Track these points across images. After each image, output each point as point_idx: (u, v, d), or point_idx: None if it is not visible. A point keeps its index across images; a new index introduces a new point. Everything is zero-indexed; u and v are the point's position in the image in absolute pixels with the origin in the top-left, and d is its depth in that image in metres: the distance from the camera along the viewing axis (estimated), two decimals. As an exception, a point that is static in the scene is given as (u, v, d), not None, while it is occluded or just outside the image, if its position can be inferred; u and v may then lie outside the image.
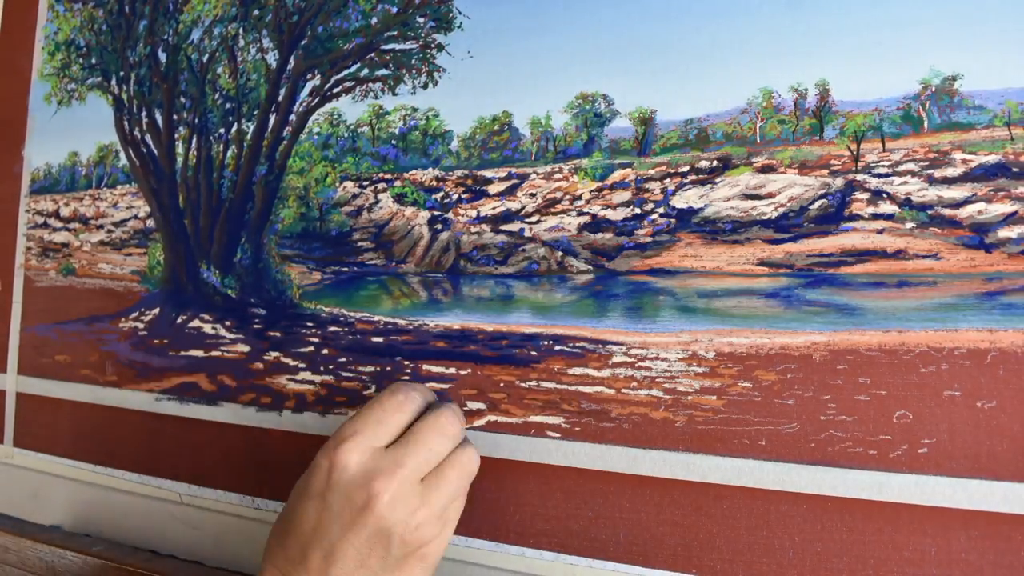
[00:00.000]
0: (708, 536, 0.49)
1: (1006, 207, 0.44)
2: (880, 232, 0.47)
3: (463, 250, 0.60)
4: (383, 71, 0.65)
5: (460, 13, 0.61)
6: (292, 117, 0.69)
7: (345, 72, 0.67)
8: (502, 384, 0.57)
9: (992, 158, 0.44)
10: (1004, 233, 0.44)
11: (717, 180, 0.52)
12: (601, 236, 0.55)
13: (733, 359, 0.49)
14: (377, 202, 0.65)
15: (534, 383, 0.55)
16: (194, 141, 0.75)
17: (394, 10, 0.64)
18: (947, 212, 0.45)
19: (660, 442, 0.51)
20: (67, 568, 0.70)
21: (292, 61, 0.69)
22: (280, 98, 0.70)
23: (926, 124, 0.46)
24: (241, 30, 0.72)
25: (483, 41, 0.60)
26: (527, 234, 0.58)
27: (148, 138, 0.78)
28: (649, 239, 0.53)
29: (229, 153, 0.72)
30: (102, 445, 0.78)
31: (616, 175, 0.55)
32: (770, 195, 0.50)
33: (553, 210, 0.57)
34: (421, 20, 0.63)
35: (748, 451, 0.48)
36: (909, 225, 0.46)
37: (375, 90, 0.65)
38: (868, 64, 0.47)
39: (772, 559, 0.47)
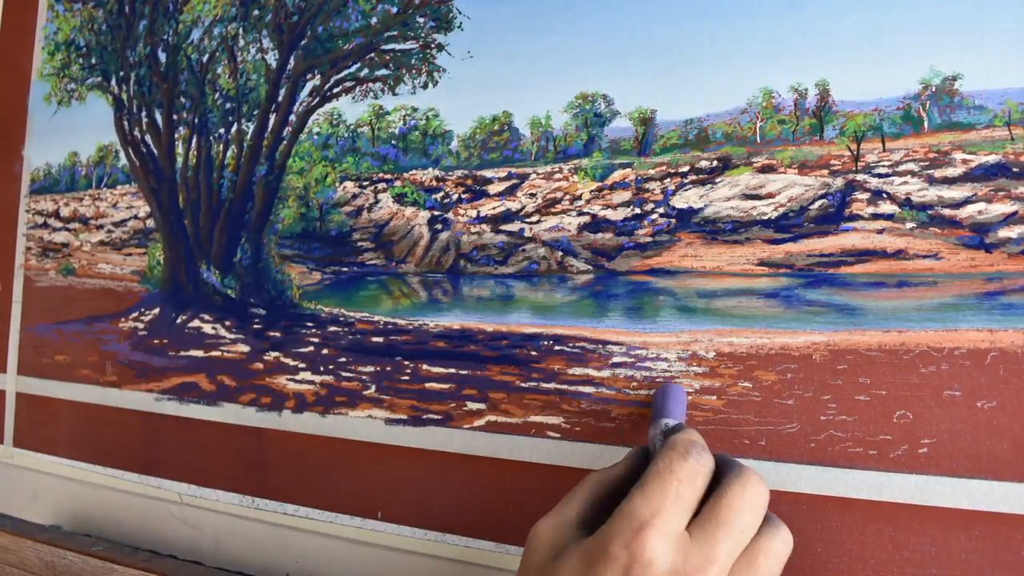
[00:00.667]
0: (708, 536, 0.49)
1: (1006, 207, 0.44)
2: (880, 232, 0.47)
3: (463, 250, 0.60)
4: (383, 71, 0.65)
5: (460, 13, 0.61)
6: (292, 117, 0.69)
7: (345, 72, 0.67)
8: (502, 384, 0.57)
9: (992, 158, 0.44)
10: (1004, 233, 0.44)
11: (717, 180, 0.52)
12: (601, 236, 0.55)
13: (733, 359, 0.49)
14: (377, 202, 0.65)
15: (534, 383, 0.55)
16: (194, 141, 0.75)
17: (394, 10, 0.64)
18: (947, 212, 0.45)
19: (660, 442, 0.50)
20: (67, 568, 0.70)
21: (292, 61, 0.69)
22: (280, 98, 0.70)
23: (926, 124, 0.46)
24: (241, 30, 0.72)
25: (483, 41, 0.60)
26: (527, 234, 0.58)
27: (148, 138, 0.78)
28: (649, 239, 0.53)
29: (229, 153, 0.72)
30: (102, 445, 0.78)
31: (616, 175, 0.55)
32: (770, 195, 0.50)
33: (553, 210, 0.57)
34: (421, 20, 0.63)
35: (748, 451, 0.48)
36: (909, 225, 0.46)
37: (375, 90, 0.65)
38: (868, 64, 0.47)
39: (772, 559, 0.47)
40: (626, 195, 0.54)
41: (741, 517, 0.36)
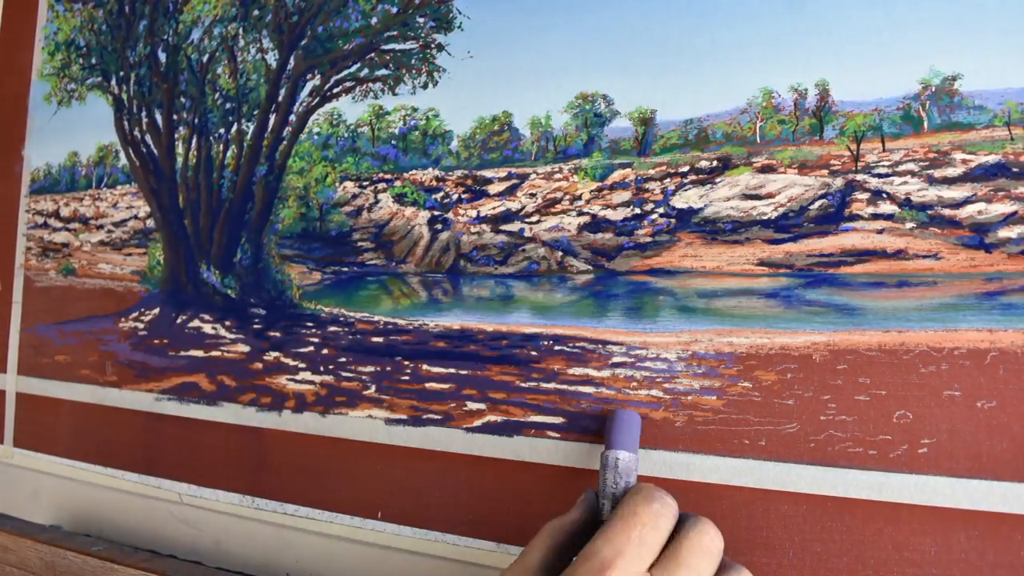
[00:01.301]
0: (708, 536, 0.49)
1: (1006, 207, 0.44)
2: (880, 232, 0.47)
3: (463, 250, 0.60)
4: (383, 71, 0.65)
5: (460, 13, 0.61)
6: (292, 117, 0.69)
7: (345, 72, 0.67)
8: (502, 384, 0.57)
9: (992, 158, 0.44)
10: (1004, 233, 0.44)
11: (717, 180, 0.52)
12: (601, 236, 0.55)
13: (733, 359, 0.49)
14: (377, 202, 0.65)
15: (534, 383, 0.55)
16: (194, 141, 0.75)
17: (394, 10, 0.64)
18: (947, 212, 0.45)
19: (660, 442, 0.51)
20: (67, 568, 0.70)
21: (292, 61, 0.69)
22: (280, 98, 0.70)
23: (926, 124, 0.46)
24: (241, 30, 0.72)
25: (483, 41, 0.60)
26: (527, 234, 0.58)
27: (148, 138, 0.78)
28: (649, 239, 0.53)
29: (229, 153, 0.72)
30: (102, 445, 0.78)
31: (616, 175, 0.55)
32: (770, 195, 0.50)
33: (553, 210, 0.57)
34: (421, 20, 0.63)
35: (748, 451, 0.48)
36: (909, 225, 0.46)
37: (375, 90, 0.65)
38: (868, 64, 0.47)
39: (772, 559, 0.47)
40: (626, 195, 0.54)
41: (699, 561, 0.38)
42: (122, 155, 0.81)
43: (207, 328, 0.72)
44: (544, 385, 0.55)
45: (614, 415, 0.50)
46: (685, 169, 0.52)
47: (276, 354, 0.68)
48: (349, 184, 0.67)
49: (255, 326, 0.70)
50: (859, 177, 0.47)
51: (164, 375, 0.74)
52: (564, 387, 0.54)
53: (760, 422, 0.48)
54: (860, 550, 0.45)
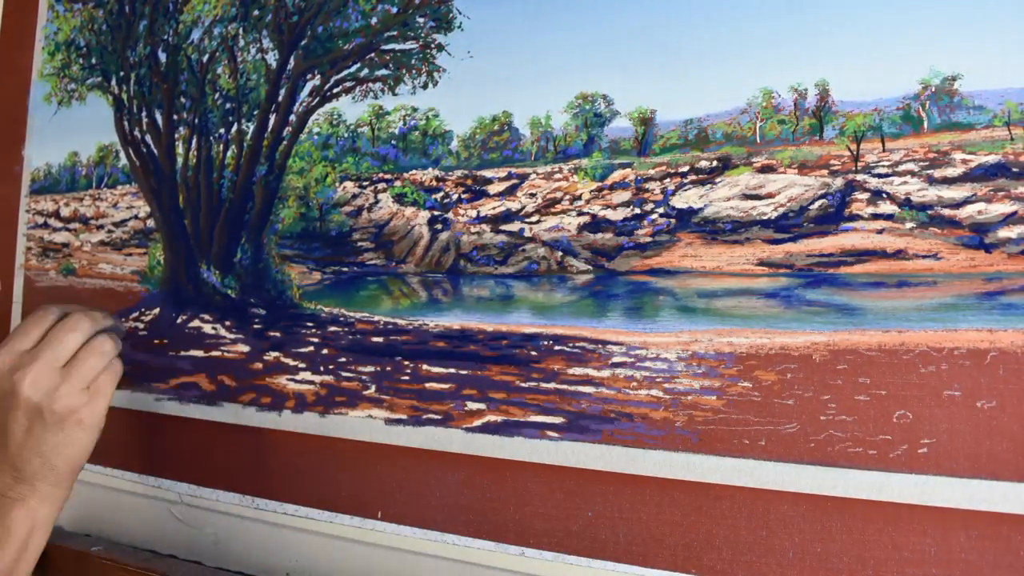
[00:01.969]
0: (708, 536, 0.49)
1: (1006, 207, 0.44)
2: (880, 232, 0.47)
3: (463, 250, 0.60)
4: (383, 71, 0.65)
5: (460, 13, 0.61)
6: (292, 117, 0.69)
7: (345, 72, 0.67)
8: (502, 384, 0.57)
9: (992, 158, 0.44)
10: (1004, 233, 0.44)
11: (717, 180, 0.52)
12: (601, 236, 0.55)
13: (733, 359, 0.49)
14: (377, 202, 0.65)
15: (534, 383, 0.55)
16: (194, 141, 0.75)
17: (394, 10, 0.64)
18: (947, 212, 0.45)
19: (660, 442, 0.51)
20: (67, 568, 0.70)
21: (292, 61, 0.69)
22: (280, 98, 0.70)
23: (926, 124, 0.46)
24: (241, 30, 0.72)
25: (483, 41, 0.60)
26: (527, 234, 0.58)
27: (148, 138, 0.78)
28: (649, 239, 0.53)
29: (229, 153, 0.72)
30: (101, 445, 0.78)
31: (616, 175, 0.55)
32: (770, 195, 0.50)
33: (553, 210, 0.57)
34: (421, 20, 0.63)
35: (748, 451, 0.48)
36: (909, 225, 0.46)
37: (375, 90, 0.65)
38: (868, 64, 0.47)
39: (772, 559, 0.47)
40: (626, 195, 0.54)
41: (61, 335, 0.58)
42: (122, 155, 0.81)
43: (207, 328, 0.72)
44: (544, 385, 0.55)
45: None
46: (685, 169, 0.53)
47: (276, 354, 0.68)
48: (349, 184, 0.67)
49: (255, 326, 0.70)
50: (859, 177, 0.47)
51: (164, 375, 0.74)
52: (564, 387, 0.54)
53: (760, 422, 0.48)
54: (860, 550, 0.45)
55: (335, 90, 0.67)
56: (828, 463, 0.46)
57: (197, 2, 0.75)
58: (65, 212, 0.85)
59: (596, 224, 0.55)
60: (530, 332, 0.56)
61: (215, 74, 0.74)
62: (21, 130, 0.89)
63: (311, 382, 0.65)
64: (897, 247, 0.46)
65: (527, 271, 0.58)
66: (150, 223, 0.78)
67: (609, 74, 0.55)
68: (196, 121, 0.75)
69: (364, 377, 0.63)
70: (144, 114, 0.79)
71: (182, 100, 0.76)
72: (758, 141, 0.50)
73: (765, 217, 0.50)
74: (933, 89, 0.46)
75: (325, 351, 0.65)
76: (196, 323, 0.73)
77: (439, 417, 0.59)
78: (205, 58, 0.75)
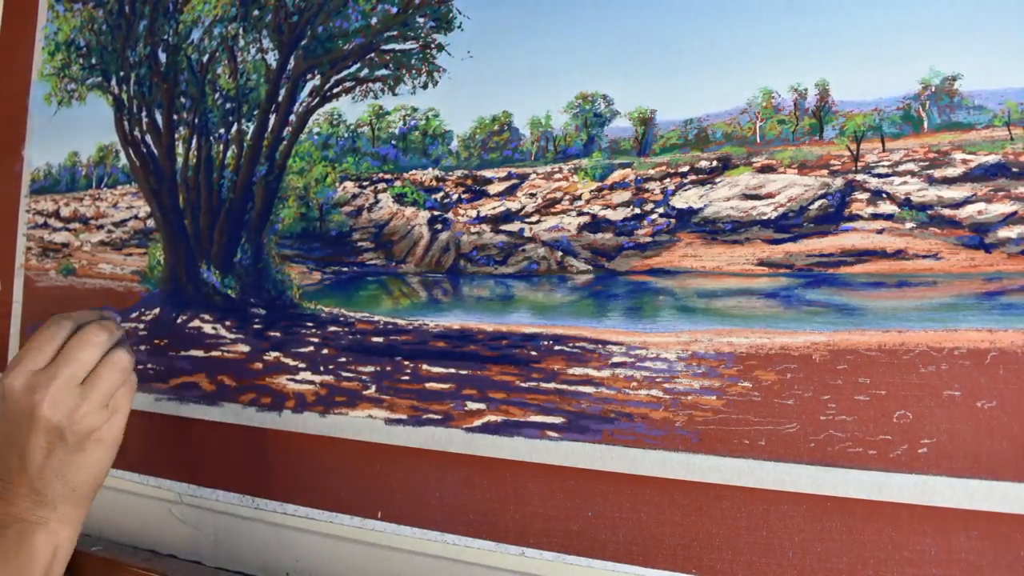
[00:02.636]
0: (708, 536, 0.49)
1: (1006, 207, 0.44)
2: (880, 232, 0.47)
3: (463, 250, 0.60)
4: (383, 71, 0.65)
5: (460, 13, 0.61)
6: (292, 117, 0.69)
7: (345, 72, 0.67)
8: (502, 384, 0.57)
9: (992, 158, 0.44)
10: (1004, 233, 0.44)
11: (717, 180, 0.52)
12: (601, 236, 0.55)
13: (733, 359, 0.49)
14: (377, 202, 0.65)
15: (534, 383, 0.55)
16: (194, 141, 0.75)
17: (394, 10, 0.64)
18: (947, 212, 0.45)
19: (660, 442, 0.51)
20: (67, 568, 0.70)
21: (292, 61, 0.69)
22: (280, 98, 0.70)
23: (926, 124, 0.46)
24: (241, 30, 0.72)
25: (483, 41, 0.60)
26: (527, 234, 0.58)
27: (148, 138, 0.78)
28: (649, 239, 0.53)
29: (229, 153, 0.72)
30: (102, 445, 0.78)
31: (616, 175, 0.55)
32: (770, 195, 0.50)
33: (553, 210, 0.57)
34: (421, 20, 0.63)
35: (748, 451, 0.48)
36: (909, 225, 0.46)
37: (375, 90, 0.65)
38: (868, 64, 0.47)
39: (772, 559, 0.47)
40: (626, 195, 0.54)
41: (78, 349, 0.55)
42: (122, 155, 0.81)
43: (207, 328, 0.72)
44: (544, 385, 0.55)
45: None
46: (685, 169, 0.53)
47: (276, 354, 0.68)
48: (349, 184, 0.67)
49: (255, 326, 0.70)
50: (859, 177, 0.47)
51: (164, 375, 0.74)
52: (564, 387, 0.54)
53: (760, 422, 0.48)
54: (860, 550, 0.45)
55: (335, 90, 0.67)
56: (828, 463, 0.46)
57: (197, 2, 0.75)
58: (65, 212, 0.85)
59: (596, 224, 0.55)
60: (530, 332, 0.56)
61: (215, 74, 0.74)
62: (21, 130, 0.89)
63: (311, 382, 0.65)
64: (897, 247, 0.46)
65: (527, 271, 0.58)
66: (150, 223, 0.78)
67: (609, 74, 0.55)
68: (196, 121, 0.75)
69: (364, 377, 0.63)
70: (144, 114, 0.79)
71: (182, 100, 0.76)
72: (758, 141, 0.50)
73: (765, 217, 0.50)
74: (933, 89, 0.46)
75: (325, 351, 0.65)
76: (196, 323, 0.73)
77: (439, 417, 0.59)
78: (205, 58, 0.75)
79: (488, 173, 0.60)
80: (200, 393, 0.71)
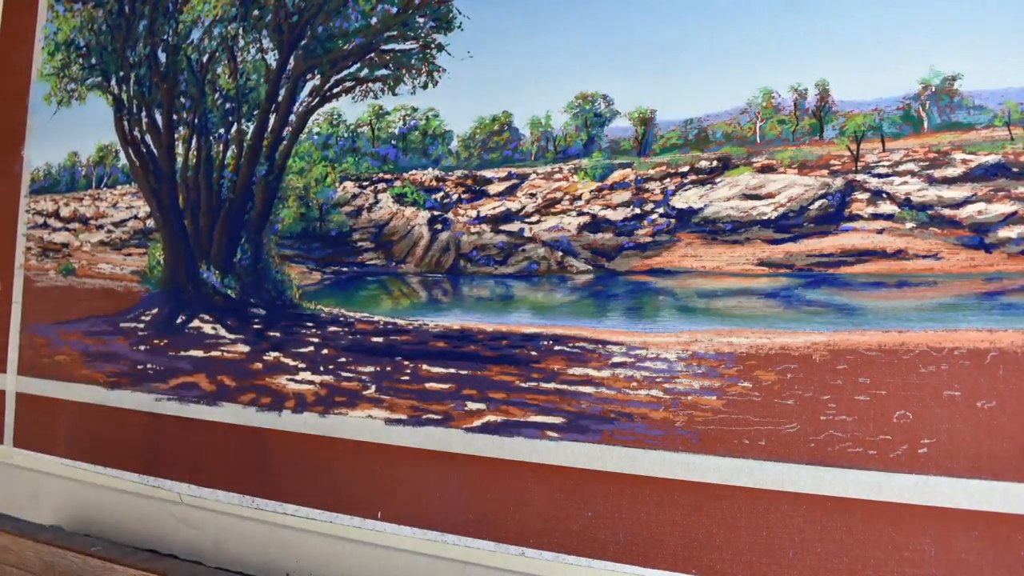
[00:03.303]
0: (708, 536, 0.49)
1: (1006, 207, 0.44)
2: (880, 232, 0.47)
3: (463, 250, 0.60)
4: (383, 71, 0.65)
5: (460, 13, 0.61)
6: (292, 117, 0.69)
7: (345, 72, 0.67)
8: (502, 384, 0.57)
9: (992, 158, 0.44)
10: (1004, 233, 0.44)
11: (717, 180, 0.52)
12: (601, 236, 0.55)
13: (733, 359, 0.49)
14: (377, 202, 0.65)
15: (534, 383, 0.55)
16: (194, 141, 0.75)
17: (394, 10, 0.64)
18: (947, 212, 0.45)
19: (660, 442, 0.51)
20: (67, 568, 0.70)
21: (292, 61, 0.69)
22: (280, 98, 0.70)
23: (926, 124, 0.46)
24: (241, 30, 0.72)
25: (483, 41, 0.60)
26: (527, 234, 0.58)
27: (148, 138, 0.78)
28: (649, 239, 0.53)
29: (229, 153, 0.72)
30: (102, 445, 0.78)
31: (616, 175, 0.55)
32: (770, 195, 0.50)
33: (553, 210, 0.57)
34: (421, 20, 0.63)
35: (748, 451, 0.48)
36: (909, 225, 0.46)
37: (375, 90, 0.65)
38: (868, 64, 0.47)
39: (772, 559, 0.47)
40: (626, 195, 0.54)
41: None
42: (122, 155, 0.81)
43: (207, 328, 0.72)
44: (544, 385, 0.55)
45: None
46: (685, 169, 0.53)
47: (276, 354, 0.68)
48: (349, 184, 0.67)
49: (255, 326, 0.70)
50: (859, 177, 0.47)
51: (164, 375, 0.74)
52: (564, 387, 0.54)
53: (760, 422, 0.48)
54: (860, 550, 0.45)
55: (335, 90, 0.67)
56: (828, 463, 0.46)
57: (197, 2, 0.75)
58: (65, 212, 0.85)
59: (596, 224, 0.55)
60: (530, 332, 0.56)
61: (215, 74, 0.74)
62: (21, 130, 0.89)
63: (311, 382, 0.65)
64: (897, 247, 0.46)
65: (527, 271, 0.58)
66: (150, 223, 0.78)
67: (609, 74, 0.55)
68: (196, 121, 0.75)
69: (364, 377, 0.63)
70: (144, 114, 0.79)
71: (182, 100, 0.76)
72: (758, 141, 0.50)
73: (765, 217, 0.50)
74: (933, 89, 0.46)
75: (325, 351, 0.65)
76: (196, 323, 0.73)
77: (439, 417, 0.59)
78: (205, 58, 0.75)
79: (488, 173, 0.60)
80: (200, 393, 0.71)
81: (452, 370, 0.59)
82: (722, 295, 0.50)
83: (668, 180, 0.53)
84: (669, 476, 0.50)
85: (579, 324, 0.54)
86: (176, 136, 0.76)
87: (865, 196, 0.47)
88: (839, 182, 0.48)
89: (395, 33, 0.64)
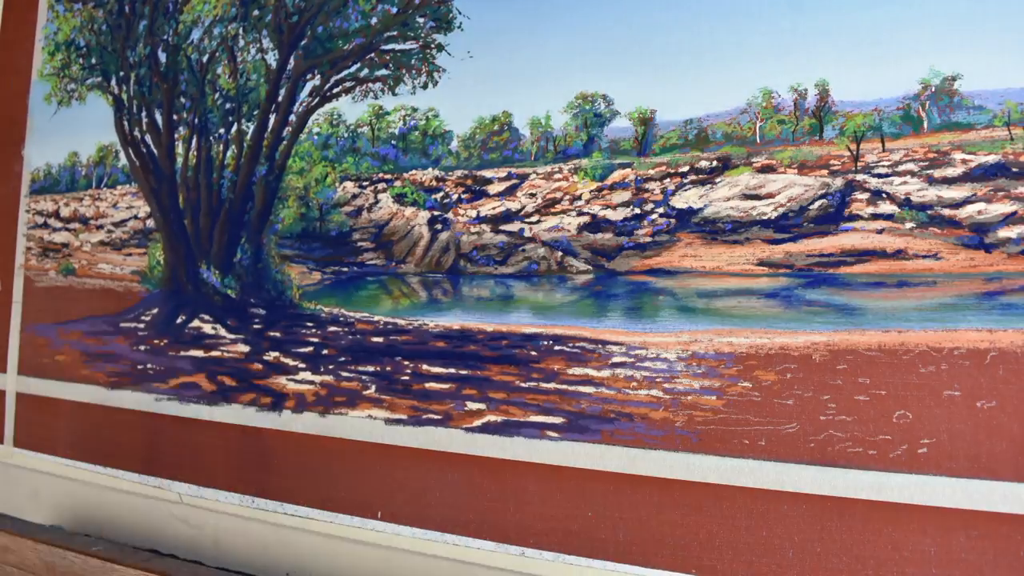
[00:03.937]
0: (708, 536, 0.49)
1: (1006, 207, 0.44)
2: (880, 232, 0.47)
3: (463, 250, 0.60)
4: (383, 71, 0.65)
5: (460, 13, 0.61)
6: (292, 117, 0.69)
7: (345, 72, 0.67)
8: (502, 384, 0.57)
9: (992, 158, 0.44)
10: (1004, 233, 0.44)
11: (717, 180, 0.52)
12: (601, 236, 0.55)
13: (733, 359, 0.49)
14: (377, 202, 0.65)
15: (534, 383, 0.55)
16: (194, 141, 0.75)
17: (394, 10, 0.64)
18: (947, 212, 0.45)
19: (660, 442, 0.51)
20: (67, 568, 0.70)
21: (292, 61, 0.69)
22: (280, 98, 0.70)
23: (926, 124, 0.46)
24: (241, 30, 0.72)
25: (483, 41, 0.60)
26: (527, 234, 0.58)
27: (148, 138, 0.78)
28: (649, 239, 0.53)
29: (229, 153, 0.72)
30: (102, 445, 0.78)
31: (616, 175, 0.55)
32: (770, 195, 0.50)
33: (553, 210, 0.57)
34: (421, 20, 0.63)
35: (748, 451, 0.48)
36: (909, 225, 0.46)
37: (375, 90, 0.65)
38: (868, 64, 0.47)
39: (772, 559, 0.47)
40: (626, 195, 0.54)
41: None
42: (122, 155, 0.81)
43: (207, 328, 0.72)
44: (544, 385, 0.55)
45: None
46: (685, 169, 0.53)
47: (276, 354, 0.68)
48: (349, 184, 0.67)
49: (255, 326, 0.70)
50: (859, 177, 0.47)
51: (164, 375, 0.74)
52: (564, 387, 0.54)
53: (760, 422, 0.48)
54: (860, 550, 0.45)
55: (335, 90, 0.67)
56: (828, 463, 0.46)
57: (197, 2, 0.75)
58: (65, 212, 0.85)
59: (596, 224, 0.55)
60: (530, 332, 0.56)
61: (215, 74, 0.74)
62: (21, 130, 0.89)
63: (311, 382, 0.65)
64: (897, 247, 0.46)
65: (527, 271, 0.58)
66: (150, 223, 0.78)
67: (609, 74, 0.55)
68: (196, 121, 0.75)
69: (364, 377, 0.63)
70: (144, 114, 0.79)
71: (182, 100, 0.76)
72: (758, 141, 0.50)
73: (765, 217, 0.50)
74: (933, 89, 0.46)
75: (325, 351, 0.65)
76: (196, 323, 0.73)
77: (439, 417, 0.59)
78: (205, 58, 0.75)
79: (488, 173, 0.60)
80: (200, 393, 0.71)
81: (452, 370, 0.59)
82: (722, 295, 0.50)
83: (668, 180, 0.53)
84: (669, 476, 0.50)
85: (579, 324, 0.54)
86: (176, 136, 0.76)
87: (865, 196, 0.47)
88: (839, 182, 0.48)
89: (395, 33, 0.64)
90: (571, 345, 0.54)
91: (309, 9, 0.68)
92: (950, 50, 0.45)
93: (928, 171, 0.46)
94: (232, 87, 0.73)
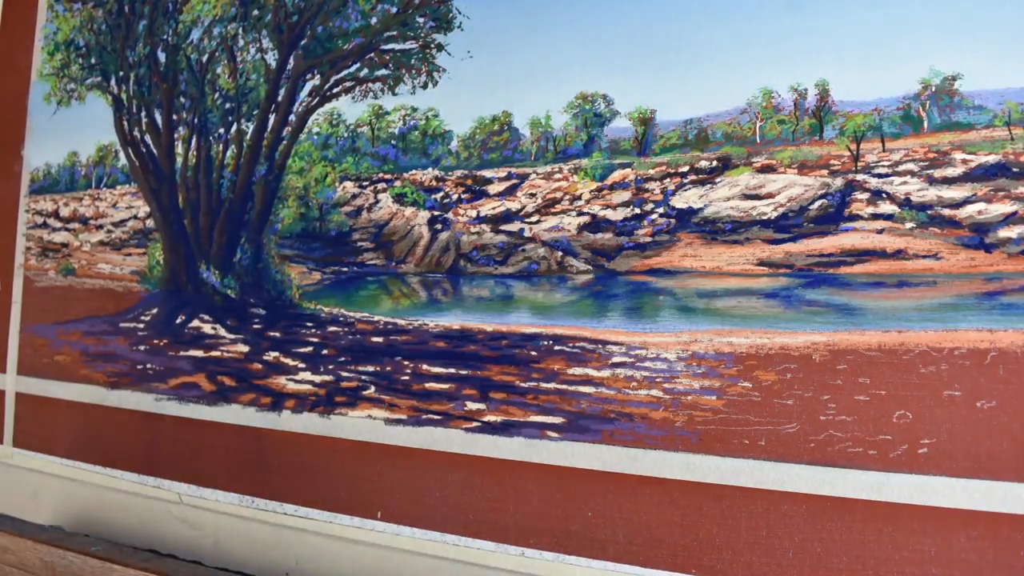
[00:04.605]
0: (708, 536, 0.49)
1: (1006, 207, 0.44)
2: (880, 232, 0.47)
3: (463, 250, 0.60)
4: (383, 71, 0.65)
5: (460, 13, 0.61)
6: (292, 117, 0.69)
7: (345, 72, 0.67)
8: (502, 384, 0.57)
9: (992, 158, 0.44)
10: (1004, 233, 0.44)
11: (717, 180, 0.52)
12: (601, 236, 0.55)
13: (733, 359, 0.49)
14: (377, 202, 0.65)
15: (534, 383, 0.55)
16: (194, 141, 0.75)
17: (394, 10, 0.64)
18: (947, 212, 0.45)
19: (660, 442, 0.51)
20: (67, 568, 0.70)
21: (292, 61, 0.69)
22: (280, 98, 0.70)
23: (926, 124, 0.46)
24: (241, 30, 0.72)
25: (483, 41, 0.60)
26: (527, 234, 0.58)
27: (148, 138, 0.78)
28: (649, 239, 0.53)
29: (229, 153, 0.72)
30: (102, 445, 0.78)
31: (616, 175, 0.55)
32: (770, 195, 0.50)
33: (553, 210, 0.57)
34: (421, 20, 0.63)
35: (748, 451, 0.48)
36: (909, 225, 0.46)
37: (375, 90, 0.65)
38: (868, 64, 0.47)
39: (772, 559, 0.47)
40: (626, 195, 0.54)
41: None
42: (122, 155, 0.81)
43: (207, 328, 0.72)
44: (544, 385, 0.55)
45: None
46: (685, 169, 0.52)
47: (276, 354, 0.68)
48: (349, 184, 0.67)
49: (255, 326, 0.70)
50: (859, 177, 0.47)
51: (164, 375, 0.74)
52: (564, 387, 0.54)
53: (760, 422, 0.48)
54: (860, 550, 0.45)
55: (335, 90, 0.67)
56: (828, 463, 0.46)
57: (197, 2, 0.75)
58: (64, 212, 0.85)
59: (596, 224, 0.55)
60: (530, 332, 0.56)
61: (215, 74, 0.74)
62: (21, 130, 0.89)
63: (311, 382, 0.65)
64: (897, 247, 0.46)
65: (527, 271, 0.58)
66: (149, 223, 0.78)
67: (609, 74, 0.55)
68: (196, 121, 0.75)
69: (364, 377, 0.63)
70: (144, 114, 0.79)
71: (182, 100, 0.76)
72: (758, 141, 0.50)
73: (765, 217, 0.50)
74: (933, 89, 0.46)
75: (325, 351, 0.65)
76: (196, 323, 0.73)
77: (439, 417, 0.59)
78: (205, 58, 0.75)
79: (488, 173, 0.60)
80: (200, 393, 0.71)
81: (452, 370, 0.59)
82: (722, 295, 0.50)
83: (668, 180, 0.53)
84: (669, 476, 0.50)
85: (579, 324, 0.54)
86: (176, 136, 0.76)
87: (865, 196, 0.47)
88: (839, 182, 0.48)
89: (395, 33, 0.64)
90: (571, 345, 0.54)
91: (309, 9, 0.68)
92: (950, 50, 0.45)
93: (928, 171, 0.46)
94: (232, 87, 0.73)
